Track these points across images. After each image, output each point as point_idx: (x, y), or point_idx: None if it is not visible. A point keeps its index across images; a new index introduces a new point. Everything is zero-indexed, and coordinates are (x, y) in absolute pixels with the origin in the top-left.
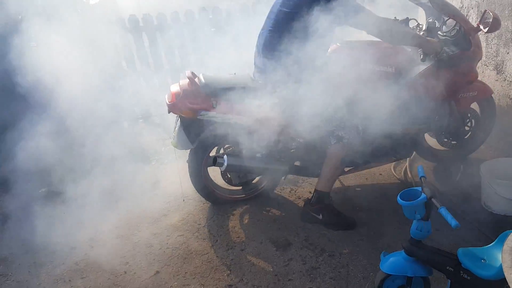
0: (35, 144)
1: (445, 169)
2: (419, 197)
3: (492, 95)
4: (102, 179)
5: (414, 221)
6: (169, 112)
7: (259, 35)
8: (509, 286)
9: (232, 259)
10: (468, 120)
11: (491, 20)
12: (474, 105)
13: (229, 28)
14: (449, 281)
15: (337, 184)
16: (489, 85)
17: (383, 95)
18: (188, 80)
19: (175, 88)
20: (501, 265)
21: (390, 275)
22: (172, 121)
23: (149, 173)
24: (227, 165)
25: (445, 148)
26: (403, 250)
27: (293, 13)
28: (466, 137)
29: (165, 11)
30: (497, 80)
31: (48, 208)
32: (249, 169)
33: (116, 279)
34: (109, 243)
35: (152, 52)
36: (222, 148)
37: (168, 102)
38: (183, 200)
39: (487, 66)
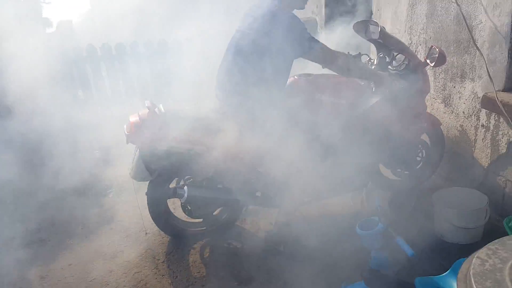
0: None
1: (399, 198)
2: (374, 227)
3: (441, 126)
4: (55, 212)
5: (373, 251)
6: (127, 143)
7: (219, 67)
8: None
9: None
10: (419, 150)
11: (437, 55)
12: (424, 136)
13: (186, 59)
14: None
15: (299, 217)
16: (438, 117)
17: (337, 127)
18: (147, 110)
19: (134, 118)
20: None
21: None
22: (130, 152)
23: (105, 206)
24: (188, 196)
25: (399, 178)
26: (362, 281)
27: (251, 46)
28: (418, 167)
29: (123, 41)
30: (445, 113)
31: None
32: (210, 200)
33: None
34: (61, 281)
35: (110, 81)
36: (182, 180)
37: (126, 133)
38: (146, 233)
39: (435, 99)
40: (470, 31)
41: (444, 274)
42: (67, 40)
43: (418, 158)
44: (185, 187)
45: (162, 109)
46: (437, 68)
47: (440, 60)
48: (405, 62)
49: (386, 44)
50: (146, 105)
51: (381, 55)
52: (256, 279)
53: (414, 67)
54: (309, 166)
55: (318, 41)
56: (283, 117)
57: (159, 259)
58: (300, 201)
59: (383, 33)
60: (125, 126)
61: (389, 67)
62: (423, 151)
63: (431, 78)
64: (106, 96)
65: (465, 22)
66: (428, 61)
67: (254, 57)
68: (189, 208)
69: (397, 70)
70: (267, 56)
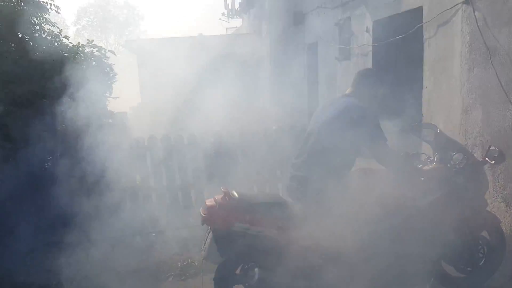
0: None
1: None
2: None
3: (500, 224)
4: None
5: None
6: (202, 224)
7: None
8: None
9: None
10: (480, 247)
11: (497, 155)
12: (485, 234)
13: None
14: None
15: None
16: (499, 216)
17: (398, 220)
18: (223, 194)
19: (210, 202)
20: None
21: None
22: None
23: None
24: (258, 278)
25: (462, 275)
26: None
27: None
28: (480, 263)
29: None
30: (507, 212)
31: None
32: (278, 286)
33: None
34: None
35: (165, 171)
36: (247, 265)
37: (202, 214)
38: None
39: (496, 198)
40: None
41: None
42: (123, 131)
43: (480, 255)
44: (256, 269)
45: (236, 194)
46: (496, 168)
47: (500, 158)
48: (463, 161)
49: (441, 144)
50: (223, 190)
51: (437, 154)
52: None
53: (472, 164)
54: (373, 258)
55: (385, 138)
56: (350, 207)
57: None
58: None
59: (440, 133)
60: (201, 209)
61: (448, 165)
62: (485, 247)
63: (490, 178)
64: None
65: None
66: (487, 159)
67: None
68: None
69: (456, 167)
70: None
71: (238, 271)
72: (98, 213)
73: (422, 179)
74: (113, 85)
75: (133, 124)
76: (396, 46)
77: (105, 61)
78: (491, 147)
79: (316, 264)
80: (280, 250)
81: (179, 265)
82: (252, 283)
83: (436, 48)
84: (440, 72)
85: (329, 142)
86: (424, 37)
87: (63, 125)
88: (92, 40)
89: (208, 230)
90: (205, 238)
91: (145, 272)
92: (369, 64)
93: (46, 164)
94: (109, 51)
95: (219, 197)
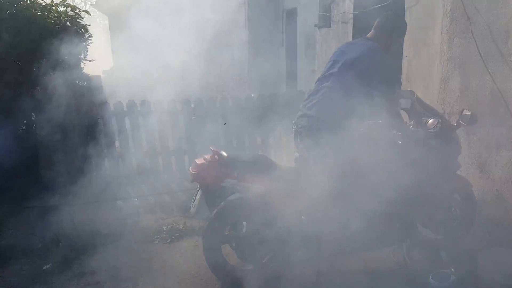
0: None
1: (436, 255)
2: (449, 279)
3: (472, 188)
4: (106, 257)
5: None
6: (192, 182)
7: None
8: None
9: None
10: (453, 208)
11: (469, 117)
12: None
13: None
14: None
15: (342, 268)
16: (473, 181)
17: (378, 179)
18: (212, 154)
19: (200, 160)
20: None
21: None
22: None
23: (153, 252)
24: (245, 233)
25: (436, 235)
26: None
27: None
28: (453, 225)
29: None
30: (480, 178)
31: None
32: (266, 239)
33: None
34: None
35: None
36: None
37: (193, 172)
38: (200, 279)
39: (470, 165)
40: (507, 106)
41: None
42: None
43: (453, 217)
44: (244, 222)
45: (225, 154)
46: (472, 136)
47: (472, 120)
48: (438, 125)
49: (420, 108)
50: (212, 149)
51: (413, 121)
52: None
53: (446, 128)
54: (351, 213)
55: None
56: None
57: None
58: (341, 250)
59: (417, 99)
60: (191, 168)
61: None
62: (457, 210)
63: (466, 146)
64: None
65: (503, 98)
66: (460, 121)
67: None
68: (242, 249)
69: (431, 132)
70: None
71: (226, 232)
72: (80, 178)
73: (400, 142)
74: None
75: (108, 88)
76: (377, 14)
77: (80, 21)
78: (464, 110)
79: (300, 221)
80: (268, 206)
81: (164, 229)
82: (239, 240)
83: (417, 17)
84: (420, 41)
85: (349, 82)
86: (406, 5)
87: (37, 89)
88: None
89: (197, 188)
90: (194, 196)
91: (130, 236)
92: (349, 32)
93: (20, 128)
94: (83, 11)
95: (208, 156)
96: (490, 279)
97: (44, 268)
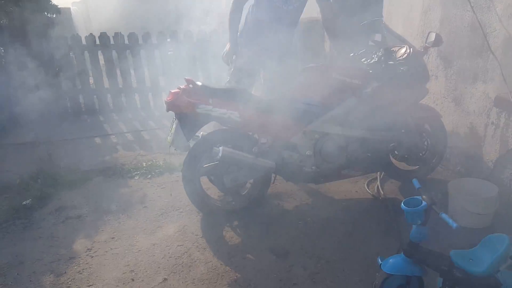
0: None
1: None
2: (420, 205)
3: (441, 118)
4: (86, 192)
5: (414, 226)
6: (167, 110)
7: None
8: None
9: (236, 266)
10: (424, 139)
11: (434, 38)
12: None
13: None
14: (441, 279)
15: (320, 199)
16: (448, 115)
17: (352, 104)
18: (186, 83)
19: (174, 90)
20: (489, 263)
21: (391, 275)
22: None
23: (134, 187)
24: (222, 155)
25: (408, 168)
26: (402, 253)
27: None
28: (424, 155)
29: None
30: (455, 111)
31: (35, 220)
32: (241, 162)
33: (125, 286)
34: (109, 252)
35: (120, 72)
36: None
37: (167, 100)
38: (180, 212)
39: (446, 98)
40: (485, 38)
41: (474, 247)
42: (68, 27)
43: (424, 147)
44: (220, 147)
45: (199, 83)
46: (449, 70)
47: (437, 41)
48: (406, 52)
49: (389, 39)
50: (185, 79)
51: (382, 50)
52: (292, 253)
53: (414, 54)
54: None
55: None
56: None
57: (197, 235)
58: (313, 177)
59: (386, 27)
60: (166, 97)
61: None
62: (428, 139)
63: (443, 79)
64: (117, 84)
65: (482, 29)
66: (427, 44)
67: None
68: (221, 179)
69: (399, 59)
70: None
71: (205, 165)
72: (54, 114)
73: (371, 71)
74: None
75: (78, 21)
76: None
77: None
78: (430, 33)
79: (272, 143)
80: (242, 131)
81: (144, 165)
82: (215, 163)
83: None
84: None
85: None
86: None
87: (3, 21)
88: None
89: (174, 119)
90: (171, 126)
91: (110, 172)
92: None
93: None
94: None
95: (182, 86)
96: (460, 207)
97: (24, 203)
